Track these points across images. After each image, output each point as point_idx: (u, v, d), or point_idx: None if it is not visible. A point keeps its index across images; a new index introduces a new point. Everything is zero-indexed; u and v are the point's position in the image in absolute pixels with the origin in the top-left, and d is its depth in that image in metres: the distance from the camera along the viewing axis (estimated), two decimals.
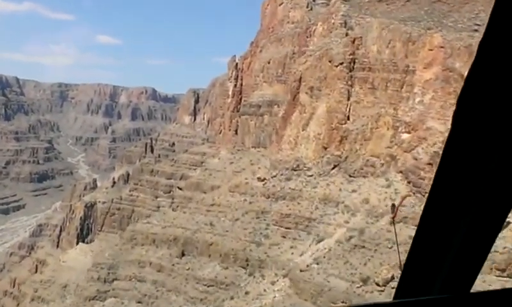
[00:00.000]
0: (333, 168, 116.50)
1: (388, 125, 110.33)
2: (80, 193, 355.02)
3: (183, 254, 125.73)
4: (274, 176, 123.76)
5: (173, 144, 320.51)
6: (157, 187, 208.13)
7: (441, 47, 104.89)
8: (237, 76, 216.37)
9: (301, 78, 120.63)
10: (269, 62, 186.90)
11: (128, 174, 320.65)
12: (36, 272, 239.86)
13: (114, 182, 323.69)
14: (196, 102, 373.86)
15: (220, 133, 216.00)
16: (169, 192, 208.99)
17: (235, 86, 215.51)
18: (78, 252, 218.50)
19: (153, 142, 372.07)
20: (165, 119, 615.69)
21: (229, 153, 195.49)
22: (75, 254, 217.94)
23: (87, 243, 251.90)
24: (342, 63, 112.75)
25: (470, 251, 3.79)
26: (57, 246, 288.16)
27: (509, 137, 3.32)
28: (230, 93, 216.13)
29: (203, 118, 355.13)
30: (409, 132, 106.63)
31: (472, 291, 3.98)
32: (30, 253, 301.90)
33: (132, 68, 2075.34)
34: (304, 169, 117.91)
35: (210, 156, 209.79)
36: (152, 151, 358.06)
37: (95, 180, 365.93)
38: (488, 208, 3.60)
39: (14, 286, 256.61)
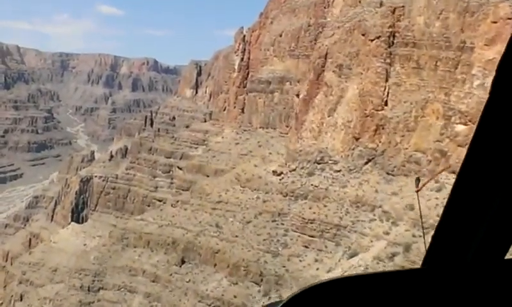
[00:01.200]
0: (366, 163, 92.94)
1: (438, 113, 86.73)
2: (77, 165, 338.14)
3: (183, 262, 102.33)
4: (293, 170, 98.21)
5: (174, 118, 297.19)
6: (155, 166, 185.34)
7: (509, 19, 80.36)
8: (244, 49, 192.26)
9: (327, 54, 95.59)
10: (280, 35, 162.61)
11: (126, 148, 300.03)
12: (29, 245, 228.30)
13: (111, 156, 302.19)
14: (198, 74, 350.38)
15: (224, 110, 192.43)
16: (169, 172, 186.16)
17: (242, 59, 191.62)
18: (70, 233, 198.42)
19: (153, 115, 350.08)
20: (166, 90, 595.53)
21: (234, 133, 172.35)
22: (67, 234, 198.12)
23: (80, 223, 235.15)
24: (378, 37, 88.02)
25: (505, 217, 3.57)
26: (52, 220, 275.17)
27: None
28: (236, 67, 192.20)
29: (205, 92, 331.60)
30: (465, 124, 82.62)
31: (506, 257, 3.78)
32: (25, 225, 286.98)
33: (134, 39, 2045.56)
34: (330, 162, 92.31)
35: (213, 134, 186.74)
36: (152, 124, 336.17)
37: (92, 152, 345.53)
38: None
39: (7, 260, 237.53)
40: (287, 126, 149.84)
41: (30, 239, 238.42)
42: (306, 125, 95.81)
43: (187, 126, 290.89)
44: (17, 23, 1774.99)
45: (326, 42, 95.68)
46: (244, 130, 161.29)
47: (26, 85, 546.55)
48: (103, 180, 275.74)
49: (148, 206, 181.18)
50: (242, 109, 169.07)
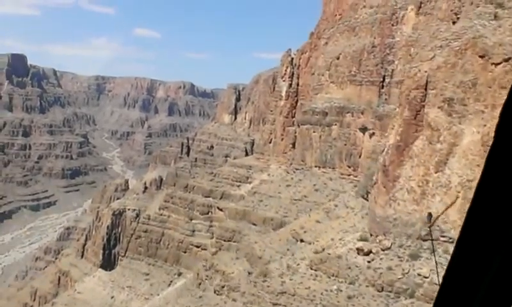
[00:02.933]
0: None
1: None
2: (111, 194, 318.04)
3: None
4: (388, 249, 67.56)
5: (212, 147, 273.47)
6: (192, 207, 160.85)
7: None
8: (293, 74, 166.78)
9: (427, 83, 68.43)
10: (338, 58, 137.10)
11: (161, 179, 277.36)
12: (58, 284, 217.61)
13: (145, 187, 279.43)
14: (237, 99, 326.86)
15: (270, 142, 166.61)
16: (207, 213, 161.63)
17: (290, 85, 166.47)
18: (96, 281, 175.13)
19: (190, 142, 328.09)
20: (203, 115, 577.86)
21: (281, 169, 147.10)
22: (93, 283, 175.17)
23: (112, 261, 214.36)
24: (508, 59, 60.53)
25: (505, 277, 3.55)
26: (82, 256, 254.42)
27: None
28: (284, 94, 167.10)
29: (245, 118, 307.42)
30: None
31: None
32: (56, 258, 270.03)
33: (170, 62, 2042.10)
34: (443, 240, 61.13)
35: (257, 170, 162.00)
36: (188, 152, 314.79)
37: (126, 181, 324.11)
38: None
39: (34, 300, 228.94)
40: (349, 167, 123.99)
41: (59, 277, 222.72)
42: (401, 183, 67.07)
43: (226, 156, 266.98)
44: (55, 47, 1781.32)
45: (424, 66, 69.54)
46: (296, 169, 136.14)
47: (62, 109, 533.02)
48: (135, 217, 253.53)
49: (185, 252, 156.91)
50: (293, 144, 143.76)
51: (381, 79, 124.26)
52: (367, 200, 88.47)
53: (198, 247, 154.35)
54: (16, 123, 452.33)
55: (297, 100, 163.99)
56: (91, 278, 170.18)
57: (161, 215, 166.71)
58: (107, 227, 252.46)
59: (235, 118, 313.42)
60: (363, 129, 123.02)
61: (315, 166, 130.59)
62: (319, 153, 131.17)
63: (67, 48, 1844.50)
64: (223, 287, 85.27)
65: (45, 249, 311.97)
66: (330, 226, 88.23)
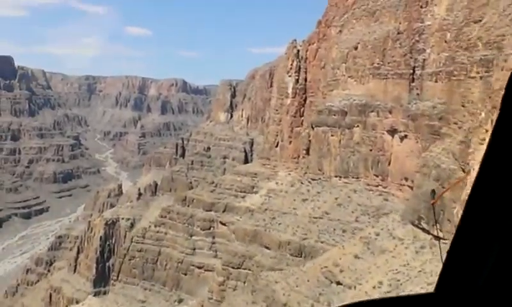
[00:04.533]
0: None
1: None
2: (103, 200, 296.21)
3: None
4: None
5: (208, 148, 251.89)
6: (191, 222, 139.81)
7: None
8: (299, 68, 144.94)
9: None
10: (356, 48, 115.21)
11: (156, 185, 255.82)
12: (50, 302, 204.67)
13: (140, 193, 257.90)
14: (233, 96, 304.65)
15: (276, 146, 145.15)
16: (209, 228, 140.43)
17: (297, 81, 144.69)
18: None
19: (185, 142, 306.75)
20: (196, 112, 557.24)
21: (290, 176, 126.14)
22: None
23: (106, 276, 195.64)
24: None
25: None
26: (75, 270, 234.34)
27: None
28: (290, 91, 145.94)
29: (242, 115, 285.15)
30: None
31: None
32: (48, 270, 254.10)
33: (162, 60, 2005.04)
34: None
35: (263, 178, 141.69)
36: (184, 154, 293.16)
37: (120, 186, 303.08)
38: None
39: None
40: (376, 176, 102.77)
41: (50, 294, 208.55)
42: None
43: (224, 158, 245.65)
44: (44, 48, 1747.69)
45: None
46: (312, 179, 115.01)
47: (52, 111, 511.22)
48: (129, 227, 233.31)
49: (185, 274, 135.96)
50: (307, 149, 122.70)
51: (411, 71, 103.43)
52: (420, 228, 67.15)
53: (200, 268, 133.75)
54: (5, 127, 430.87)
55: (305, 98, 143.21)
56: (79, 306, 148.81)
57: (157, 232, 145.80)
58: (100, 238, 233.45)
59: (232, 116, 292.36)
60: (392, 131, 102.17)
61: (335, 176, 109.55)
62: (339, 160, 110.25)
63: (56, 49, 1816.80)
64: None
65: (36, 260, 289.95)
66: (374, 264, 67.23)
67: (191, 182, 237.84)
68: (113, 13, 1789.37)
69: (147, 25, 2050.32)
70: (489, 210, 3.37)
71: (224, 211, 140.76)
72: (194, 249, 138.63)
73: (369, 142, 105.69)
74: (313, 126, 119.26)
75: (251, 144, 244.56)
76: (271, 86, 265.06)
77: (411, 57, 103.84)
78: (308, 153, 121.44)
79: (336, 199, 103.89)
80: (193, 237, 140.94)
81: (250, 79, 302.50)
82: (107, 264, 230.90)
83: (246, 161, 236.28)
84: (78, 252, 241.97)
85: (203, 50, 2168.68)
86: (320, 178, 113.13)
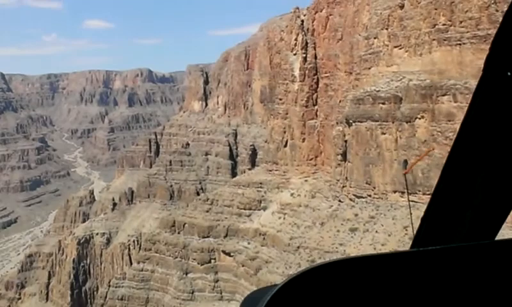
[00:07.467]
0: None
1: None
2: (75, 210, 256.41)
3: None
4: None
5: (187, 144, 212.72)
6: (185, 254, 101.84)
7: None
8: (306, 43, 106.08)
9: None
10: (402, 7, 76.25)
11: (132, 192, 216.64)
12: None
13: (114, 204, 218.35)
14: (206, 82, 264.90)
15: (285, 146, 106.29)
16: (209, 261, 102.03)
17: (305, 59, 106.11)
18: None
19: (158, 137, 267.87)
20: (165, 101, 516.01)
21: (308, 184, 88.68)
22: None
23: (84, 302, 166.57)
24: None
25: (495, 196, 3.50)
26: (47, 299, 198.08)
27: None
28: (297, 73, 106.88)
29: (217, 103, 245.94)
30: None
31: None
32: (19, 295, 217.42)
33: (126, 51, 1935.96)
34: None
35: (272, 187, 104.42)
36: (158, 150, 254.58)
37: (91, 192, 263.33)
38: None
39: None
40: None
41: None
42: None
43: (206, 154, 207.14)
44: (2, 50, 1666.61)
45: None
46: (357, 197, 76.75)
47: (14, 113, 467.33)
48: (105, 243, 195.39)
49: None
50: (343, 154, 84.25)
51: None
52: None
53: None
54: None
55: (317, 80, 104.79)
56: None
57: (141, 270, 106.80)
58: (73, 260, 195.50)
59: (207, 104, 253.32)
60: None
61: (394, 191, 71.35)
62: (398, 168, 71.73)
63: (15, 50, 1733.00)
64: None
65: (6, 283, 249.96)
66: None
67: (171, 186, 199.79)
68: (71, 8, 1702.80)
69: (107, 17, 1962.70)
70: (465, 167, 3.37)
71: (225, 236, 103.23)
72: (193, 291, 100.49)
73: (443, 139, 68.11)
74: (350, 121, 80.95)
75: (235, 135, 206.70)
76: (248, 67, 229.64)
77: (497, 10, 66.43)
78: (345, 159, 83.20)
79: (405, 228, 66.49)
80: (189, 275, 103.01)
81: (223, 62, 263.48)
82: (83, 288, 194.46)
83: (232, 156, 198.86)
84: (49, 278, 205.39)
85: (166, 37, 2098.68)
86: (369, 195, 75.46)
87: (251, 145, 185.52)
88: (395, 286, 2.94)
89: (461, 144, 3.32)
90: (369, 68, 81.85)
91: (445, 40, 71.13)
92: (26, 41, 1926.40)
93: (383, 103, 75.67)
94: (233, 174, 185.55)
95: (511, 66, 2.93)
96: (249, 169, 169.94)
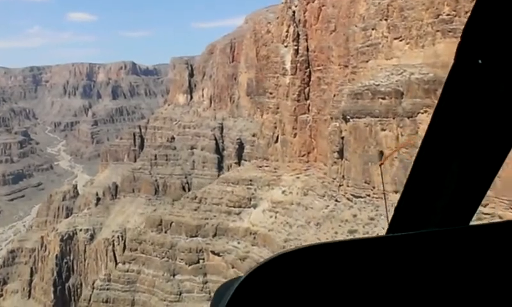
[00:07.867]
0: None
1: None
2: (58, 204, 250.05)
3: None
4: None
5: (173, 138, 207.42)
6: (172, 254, 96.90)
7: None
8: (298, 35, 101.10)
9: None
10: None
11: (116, 186, 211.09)
12: None
13: (98, 198, 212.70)
14: (191, 75, 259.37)
15: (276, 141, 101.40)
16: (197, 262, 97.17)
17: (297, 52, 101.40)
18: None
19: (142, 130, 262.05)
20: (149, 94, 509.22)
21: (300, 181, 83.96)
22: None
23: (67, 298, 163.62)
24: None
25: (469, 181, 3.51)
26: (29, 296, 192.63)
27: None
28: (288, 66, 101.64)
29: (202, 96, 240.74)
30: None
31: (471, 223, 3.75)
32: (1, 291, 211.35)
33: (109, 44, 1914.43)
34: None
35: (262, 185, 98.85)
36: (142, 144, 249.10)
37: (75, 187, 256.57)
38: (489, 136, 3.32)
39: None
40: None
41: None
42: None
43: (192, 148, 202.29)
44: None
45: None
46: (355, 196, 72.21)
47: None
48: (89, 239, 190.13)
49: None
50: (340, 151, 79.52)
51: None
52: None
53: None
54: None
55: (309, 73, 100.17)
56: None
57: (127, 271, 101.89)
58: (56, 257, 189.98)
59: (192, 97, 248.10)
60: None
61: (395, 191, 67.11)
62: (399, 167, 67.51)
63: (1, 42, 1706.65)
64: None
65: None
66: None
67: (156, 180, 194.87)
68: (54, 0, 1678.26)
69: (91, 9, 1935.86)
70: (438, 155, 3.35)
71: (214, 235, 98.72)
72: (180, 293, 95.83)
73: None
74: (348, 117, 76.44)
75: (221, 129, 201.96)
76: (234, 60, 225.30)
77: None
78: (341, 156, 78.76)
79: None
80: (177, 276, 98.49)
81: (208, 55, 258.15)
82: (66, 285, 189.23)
83: (218, 150, 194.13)
84: (32, 274, 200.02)
85: (150, 30, 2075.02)
86: (368, 195, 71.16)
87: (237, 139, 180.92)
88: (364, 273, 2.87)
89: (434, 132, 3.32)
90: (367, 61, 77.47)
91: (449, 31, 66.85)
92: (9, 33, 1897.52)
93: (383, 98, 71.37)
94: (220, 169, 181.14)
95: (482, 54, 2.93)
96: (236, 163, 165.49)
